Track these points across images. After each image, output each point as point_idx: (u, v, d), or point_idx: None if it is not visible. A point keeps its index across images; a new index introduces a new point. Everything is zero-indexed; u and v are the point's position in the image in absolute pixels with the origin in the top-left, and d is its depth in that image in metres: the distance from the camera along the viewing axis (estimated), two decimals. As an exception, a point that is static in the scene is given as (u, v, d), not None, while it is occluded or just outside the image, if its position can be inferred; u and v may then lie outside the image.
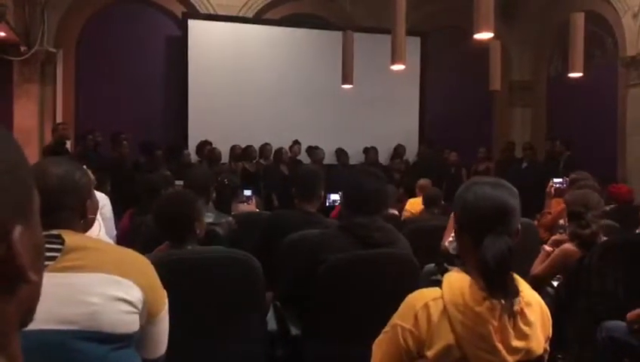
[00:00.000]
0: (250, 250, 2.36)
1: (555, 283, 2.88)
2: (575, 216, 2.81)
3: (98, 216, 2.01)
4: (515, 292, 1.28)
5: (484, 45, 5.93)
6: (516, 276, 1.33)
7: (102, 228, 2.69)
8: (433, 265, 3.46)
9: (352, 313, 2.23)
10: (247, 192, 4.44)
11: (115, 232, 3.64)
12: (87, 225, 1.50)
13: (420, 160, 8.80)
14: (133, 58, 8.38)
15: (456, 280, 1.32)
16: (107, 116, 7.82)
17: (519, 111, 10.09)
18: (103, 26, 8.23)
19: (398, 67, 4.93)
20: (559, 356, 2.73)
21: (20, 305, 0.55)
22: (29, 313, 0.58)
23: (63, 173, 1.43)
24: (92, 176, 2.23)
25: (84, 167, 1.61)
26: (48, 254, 1.30)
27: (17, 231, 0.53)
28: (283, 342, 2.48)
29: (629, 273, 2.58)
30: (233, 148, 7.99)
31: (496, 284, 1.26)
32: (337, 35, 6.49)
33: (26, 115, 7.71)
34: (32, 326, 1.20)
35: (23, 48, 7.47)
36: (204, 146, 7.85)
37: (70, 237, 1.33)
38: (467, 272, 1.34)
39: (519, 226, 1.40)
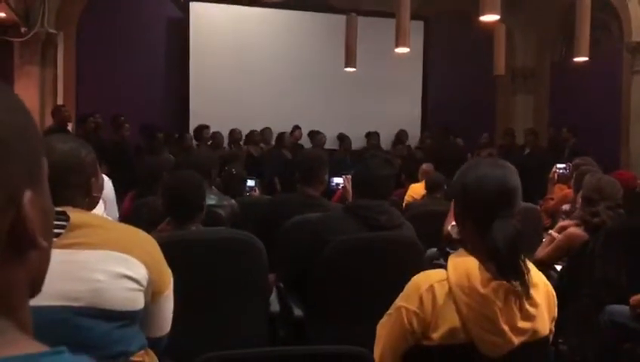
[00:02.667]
0: (253, 233, 2.36)
1: (559, 268, 2.88)
2: (588, 201, 2.80)
3: (102, 196, 2.00)
4: (526, 274, 1.27)
5: (488, 30, 5.88)
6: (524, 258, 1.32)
7: (102, 209, 2.69)
8: (435, 249, 3.46)
9: (356, 295, 2.23)
10: (251, 183, 4.41)
11: (117, 214, 3.63)
12: (92, 203, 1.50)
13: (425, 145, 8.76)
14: (135, 40, 8.32)
15: (462, 263, 1.31)
16: (108, 98, 7.78)
17: (522, 97, 10.03)
18: (104, 7, 8.16)
19: (401, 50, 4.89)
20: (560, 340, 2.74)
21: (30, 272, 0.55)
22: (38, 280, 0.58)
23: (68, 149, 1.42)
24: None
25: None
26: (54, 231, 1.29)
27: (27, 195, 0.52)
28: (286, 323, 2.49)
29: (632, 258, 2.58)
30: (233, 132, 7.96)
31: (508, 267, 1.25)
32: (341, 18, 6.43)
33: (26, 96, 7.65)
34: (36, 302, 1.20)
35: (23, 29, 7.40)
36: (202, 130, 7.80)
37: (75, 214, 1.32)
38: (472, 254, 1.33)
39: (520, 205, 1.38)
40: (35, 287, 0.57)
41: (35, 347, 0.51)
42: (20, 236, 0.52)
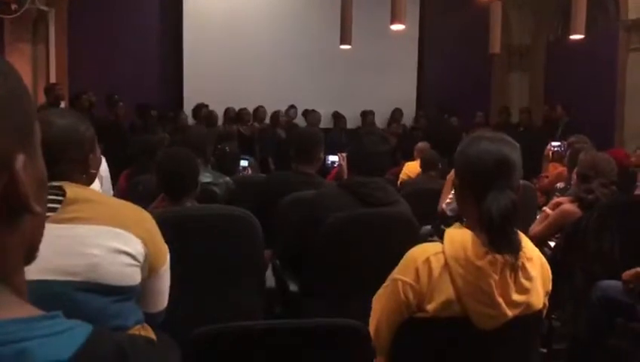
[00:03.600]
0: (248, 210, 2.36)
1: (552, 244, 2.90)
2: (583, 178, 2.81)
3: (100, 173, 1.99)
4: (519, 247, 1.28)
5: (484, 8, 5.83)
6: (518, 231, 1.33)
7: (103, 184, 2.69)
8: (430, 226, 3.48)
9: (352, 270, 2.25)
10: (244, 163, 4.40)
11: (112, 192, 3.62)
12: (90, 179, 1.49)
13: (420, 124, 8.74)
14: (128, 17, 8.21)
15: (458, 235, 1.32)
16: (101, 76, 7.71)
17: (517, 75, 10.00)
18: (96, -17, 8.04)
19: (397, 27, 4.85)
20: (553, 316, 2.77)
21: (24, 238, 0.54)
22: (33, 245, 0.57)
23: (67, 124, 1.40)
24: None
25: None
26: (49, 205, 1.29)
27: (20, 159, 0.52)
28: (282, 298, 2.51)
29: (625, 234, 2.60)
30: (227, 111, 7.91)
31: (501, 238, 1.26)
32: (336, -6, 6.36)
33: (18, 74, 7.57)
34: (32, 277, 1.20)
35: (13, 6, 7.28)
36: (200, 109, 7.78)
37: (71, 189, 1.31)
38: (468, 228, 1.33)
39: (520, 182, 1.39)
40: (30, 253, 0.57)
41: (30, 311, 0.51)
42: (13, 200, 0.51)
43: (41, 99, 7.00)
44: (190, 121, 7.77)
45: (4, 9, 7.28)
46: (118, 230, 1.31)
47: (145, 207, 2.23)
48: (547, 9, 9.42)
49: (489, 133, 1.46)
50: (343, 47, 5.97)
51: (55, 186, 1.32)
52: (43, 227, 0.58)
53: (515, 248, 1.27)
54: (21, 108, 0.54)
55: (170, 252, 1.49)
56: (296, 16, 8.64)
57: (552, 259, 2.75)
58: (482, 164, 1.33)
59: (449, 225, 2.79)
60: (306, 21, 8.61)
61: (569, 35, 5.11)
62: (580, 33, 4.84)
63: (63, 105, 6.76)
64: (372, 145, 2.37)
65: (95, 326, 0.53)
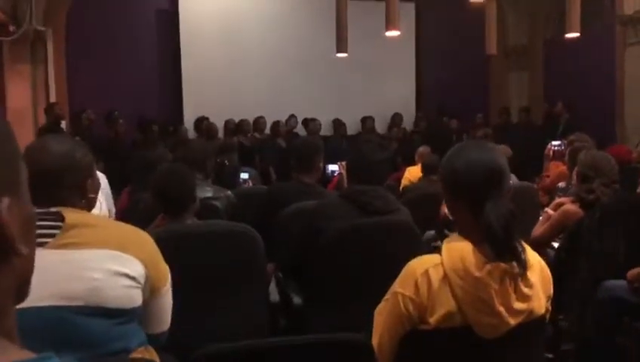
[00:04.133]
0: (250, 223, 2.36)
1: (556, 245, 2.89)
2: (583, 178, 2.81)
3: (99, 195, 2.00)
4: (524, 256, 1.28)
5: (479, 9, 5.84)
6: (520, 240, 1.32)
7: (103, 206, 2.69)
8: (433, 231, 3.48)
9: (354, 280, 2.24)
10: (244, 175, 4.40)
11: (114, 209, 3.63)
12: (89, 204, 1.49)
13: (421, 128, 8.76)
14: (125, 34, 8.25)
15: (456, 246, 1.32)
16: (101, 94, 7.74)
17: (516, 75, 9.99)
18: (92, 1, 8.08)
19: (392, 34, 4.86)
20: (560, 317, 2.76)
21: (13, 279, 0.54)
22: (23, 288, 0.57)
23: (64, 150, 1.41)
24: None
25: None
26: (48, 231, 1.30)
27: (5, 202, 0.52)
28: (286, 312, 2.50)
29: (629, 233, 2.58)
30: (227, 123, 7.93)
31: (504, 249, 1.26)
32: (331, 2, 6.37)
33: (18, 95, 7.62)
34: (34, 303, 1.21)
35: (11, 28, 7.33)
36: (201, 122, 7.81)
37: (70, 215, 1.32)
38: (465, 238, 1.33)
39: (510, 184, 1.39)
40: (21, 294, 0.57)
41: (20, 354, 0.51)
42: (0, 243, 0.51)
43: (42, 119, 7.04)
44: (191, 133, 7.79)
45: (2, 31, 7.34)
46: (117, 252, 1.32)
47: (146, 225, 2.25)
48: (542, 8, 9.42)
49: (471, 142, 1.47)
50: (339, 54, 5.98)
51: (54, 212, 1.32)
52: (32, 266, 0.58)
53: (520, 258, 1.27)
54: (4, 150, 0.54)
55: (172, 271, 1.50)
56: (293, 25, 8.67)
57: (556, 259, 2.75)
58: (473, 176, 1.32)
59: (452, 229, 2.79)
60: (302, 30, 8.64)
61: (565, 33, 5.11)
62: (576, 32, 4.84)
63: (63, 124, 6.79)
64: (370, 153, 2.38)
65: None
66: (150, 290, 1.40)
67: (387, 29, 4.80)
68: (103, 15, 8.10)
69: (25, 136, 7.13)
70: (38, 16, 7.59)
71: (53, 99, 7.65)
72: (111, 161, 5.59)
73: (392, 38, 5.25)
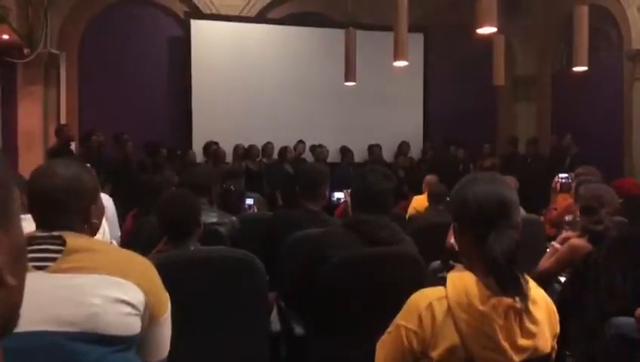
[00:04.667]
0: (254, 249, 2.35)
1: (562, 279, 2.85)
2: (588, 210, 2.78)
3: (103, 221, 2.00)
4: (526, 290, 1.26)
5: (487, 40, 5.89)
6: (524, 274, 1.30)
7: (106, 230, 2.68)
8: (439, 262, 3.44)
9: (357, 312, 2.21)
10: (249, 201, 4.41)
11: (119, 233, 3.63)
12: (92, 230, 1.49)
13: (427, 157, 8.78)
14: (137, 59, 8.38)
15: (460, 279, 1.30)
16: (111, 117, 7.83)
17: (524, 106, 10.03)
18: (106, 27, 8.24)
19: (400, 64, 4.90)
20: (567, 353, 2.70)
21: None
22: (10, 318, 0.56)
23: (70, 175, 1.41)
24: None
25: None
26: (49, 255, 1.29)
27: None
28: (287, 341, 2.47)
29: (637, 268, 2.54)
30: (236, 148, 7.99)
31: (507, 281, 1.24)
32: (340, 32, 6.47)
33: (30, 117, 7.73)
34: (30, 327, 1.20)
35: (26, 51, 7.48)
36: (209, 146, 7.87)
37: (71, 239, 1.32)
38: (471, 270, 1.32)
39: (520, 219, 1.38)
40: (7, 324, 0.56)
41: None
42: None
43: (52, 140, 7.11)
44: (200, 158, 7.84)
45: (16, 53, 7.48)
46: (117, 279, 1.31)
47: (150, 249, 2.24)
48: (550, 40, 9.50)
49: (482, 175, 1.46)
50: (347, 83, 6.05)
51: (55, 236, 1.32)
52: (21, 298, 0.57)
53: (522, 291, 1.25)
54: None
55: (172, 296, 1.48)
56: (302, 54, 8.79)
57: (563, 294, 2.71)
58: (483, 209, 1.31)
59: (458, 260, 2.77)
60: (311, 59, 8.75)
61: (572, 66, 5.13)
62: (583, 65, 4.86)
63: (73, 146, 6.85)
64: (375, 182, 2.36)
65: None
66: (149, 318, 1.38)
67: (395, 58, 4.85)
68: (116, 40, 8.25)
69: (35, 156, 7.21)
70: (52, 39, 7.75)
71: (63, 121, 7.75)
72: (118, 183, 5.61)
73: (401, 68, 5.30)
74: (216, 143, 7.89)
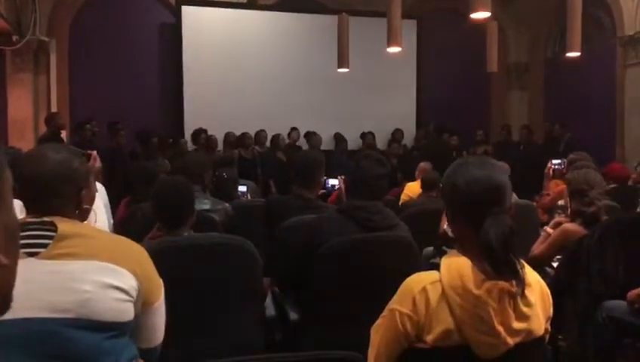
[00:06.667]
0: (247, 236, 2.34)
1: (555, 264, 2.87)
2: (578, 194, 2.81)
3: (94, 206, 1.98)
4: (522, 274, 1.26)
5: (480, 27, 5.87)
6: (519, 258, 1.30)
7: (97, 217, 2.67)
8: (432, 248, 3.45)
9: (351, 297, 2.22)
10: (242, 188, 4.40)
11: (111, 220, 3.61)
12: (83, 215, 1.47)
13: (420, 144, 8.78)
14: (127, 46, 8.30)
15: (455, 264, 1.30)
16: (102, 105, 7.76)
17: (517, 93, 10.04)
18: (96, 13, 8.14)
19: (393, 50, 4.88)
20: (559, 337, 2.73)
21: None
22: (4, 298, 0.55)
23: (60, 159, 1.40)
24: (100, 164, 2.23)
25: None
26: (40, 241, 1.28)
27: None
28: (282, 327, 2.47)
29: (629, 252, 2.57)
30: (227, 136, 7.95)
31: (503, 265, 1.24)
32: (332, 18, 6.41)
33: (20, 105, 7.65)
34: (23, 314, 1.19)
35: (15, 38, 7.38)
36: (199, 134, 7.82)
37: (63, 225, 1.30)
38: (465, 255, 1.32)
39: (512, 201, 1.37)
40: (2, 304, 0.56)
41: None
42: None
43: (43, 129, 7.04)
44: (190, 146, 7.80)
45: (5, 40, 7.38)
46: (110, 265, 1.30)
47: (143, 235, 2.23)
48: (543, 27, 9.49)
49: (473, 158, 1.46)
50: (340, 70, 6.02)
51: (47, 222, 1.31)
52: (14, 278, 0.56)
53: (518, 275, 1.25)
54: None
55: (166, 283, 1.47)
56: (295, 40, 8.72)
57: (556, 279, 2.73)
58: (474, 194, 1.31)
59: (451, 246, 2.77)
60: (304, 45, 8.69)
61: (566, 52, 5.13)
62: (577, 51, 4.86)
63: (63, 134, 6.79)
64: (369, 168, 2.36)
65: None
66: (142, 304, 1.37)
67: (389, 45, 4.83)
68: (106, 27, 8.16)
69: (26, 145, 7.14)
70: (41, 26, 7.65)
71: (54, 109, 7.67)
72: (111, 172, 5.57)
73: (394, 55, 5.27)
74: (205, 131, 7.84)
